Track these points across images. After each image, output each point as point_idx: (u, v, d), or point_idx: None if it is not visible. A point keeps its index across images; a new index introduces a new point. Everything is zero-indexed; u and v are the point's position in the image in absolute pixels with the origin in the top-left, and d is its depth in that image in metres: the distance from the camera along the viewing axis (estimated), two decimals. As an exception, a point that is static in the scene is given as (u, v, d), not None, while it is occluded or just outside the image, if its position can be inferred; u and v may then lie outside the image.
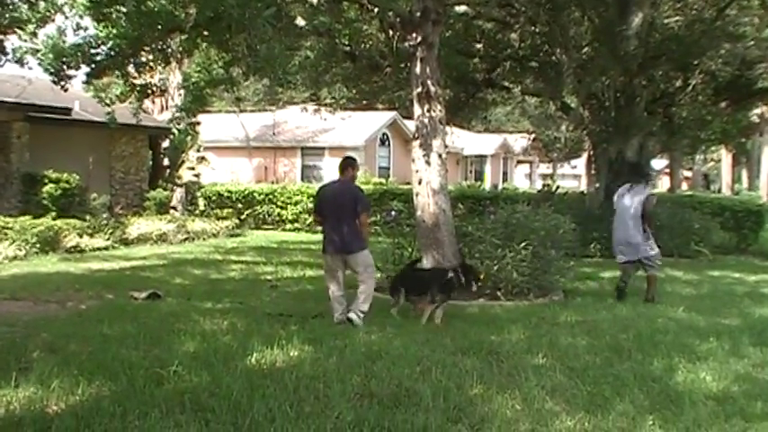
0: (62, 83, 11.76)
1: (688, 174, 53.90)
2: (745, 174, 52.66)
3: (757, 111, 29.82)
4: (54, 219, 15.95)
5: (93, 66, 11.62)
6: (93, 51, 11.40)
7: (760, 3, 13.51)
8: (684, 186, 48.65)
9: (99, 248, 15.40)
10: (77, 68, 11.68)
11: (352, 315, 7.81)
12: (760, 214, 18.78)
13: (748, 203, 20.16)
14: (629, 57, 14.52)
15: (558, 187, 22.46)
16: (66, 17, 11.50)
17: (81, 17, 11.32)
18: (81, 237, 15.38)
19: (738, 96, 17.29)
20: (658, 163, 47.33)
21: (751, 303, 9.67)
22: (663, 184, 54.37)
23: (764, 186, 48.11)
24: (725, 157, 45.66)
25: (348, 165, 8.27)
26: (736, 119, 19.67)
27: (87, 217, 16.98)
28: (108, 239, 16.07)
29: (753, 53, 15.48)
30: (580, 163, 39.65)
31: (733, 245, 17.66)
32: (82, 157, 19.86)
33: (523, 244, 9.75)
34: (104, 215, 17.92)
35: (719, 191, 46.75)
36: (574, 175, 48.52)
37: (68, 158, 19.03)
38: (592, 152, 18.68)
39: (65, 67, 11.36)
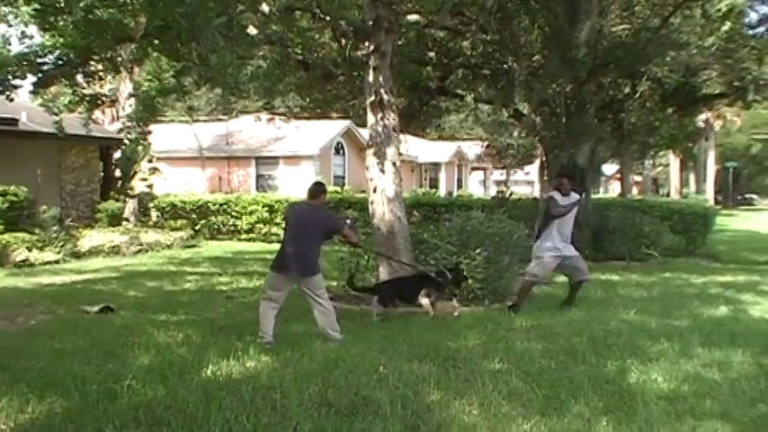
0: (7, 93, 11.51)
1: (638, 178, 55.12)
2: (692, 178, 54.08)
3: (703, 116, 30.63)
4: (1, 233, 15.60)
5: (40, 75, 11.39)
6: (39, 60, 11.18)
7: (702, 12, 13.85)
8: (635, 191, 49.70)
9: (49, 262, 15.06)
10: (23, 78, 11.43)
11: (333, 334, 7.56)
12: (707, 217, 19.26)
13: (696, 207, 20.63)
14: (578, 64, 14.74)
15: (511, 193, 22.75)
16: (11, 25, 11.26)
17: (26, 25, 11.10)
18: (30, 250, 15.03)
19: (684, 102, 17.65)
20: (609, 168, 48.30)
21: (700, 304, 9.88)
22: (614, 189, 55.52)
23: (711, 190, 49.59)
24: (673, 161, 46.84)
25: (320, 191, 8.01)
26: (682, 124, 20.05)
27: (37, 230, 16.62)
28: (59, 253, 15.72)
29: (696, 61, 15.82)
30: (533, 169, 40.15)
31: (682, 247, 18.01)
32: (30, 170, 19.45)
33: (478, 250, 9.84)
34: (54, 228, 17.51)
35: (668, 195, 47.91)
36: (527, 182, 49.07)
37: (16, 171, 18.60)
38: (544, 158, 18.88)
39: (10, 76, 11.12)
